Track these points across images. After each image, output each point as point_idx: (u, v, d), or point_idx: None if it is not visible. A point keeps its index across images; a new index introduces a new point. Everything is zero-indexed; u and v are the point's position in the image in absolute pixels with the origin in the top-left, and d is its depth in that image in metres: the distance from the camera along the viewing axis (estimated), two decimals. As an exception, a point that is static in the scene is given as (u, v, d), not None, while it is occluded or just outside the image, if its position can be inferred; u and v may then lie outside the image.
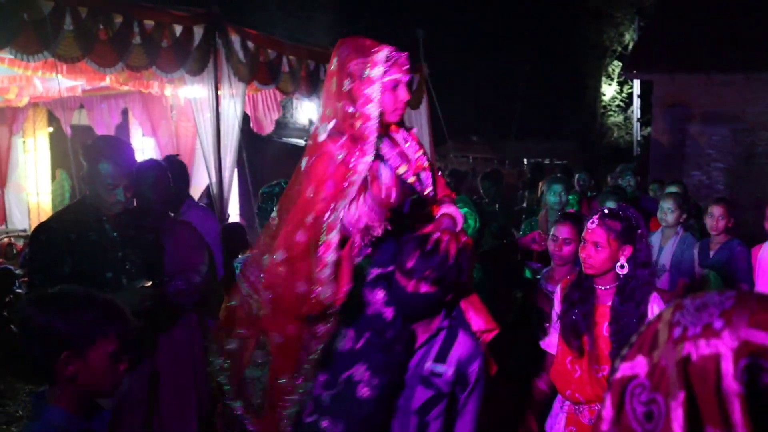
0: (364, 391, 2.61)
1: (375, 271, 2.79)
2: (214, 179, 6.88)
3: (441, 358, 2.76)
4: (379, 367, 2.64)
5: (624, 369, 0.98)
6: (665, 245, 5.78)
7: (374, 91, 2.66)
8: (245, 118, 7.99)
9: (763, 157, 14.08)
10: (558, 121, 27.10)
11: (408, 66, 2.76)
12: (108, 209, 3.59)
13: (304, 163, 2.73)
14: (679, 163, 14.41)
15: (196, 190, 8.16)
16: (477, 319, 2.95)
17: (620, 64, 23.53)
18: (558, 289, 3.48)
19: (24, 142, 10.22)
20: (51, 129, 10.45)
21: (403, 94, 2.76)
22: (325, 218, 2.57)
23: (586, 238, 3.17)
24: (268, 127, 9.18)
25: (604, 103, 26.41)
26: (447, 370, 2.75)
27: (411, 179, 2.85)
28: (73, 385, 2.08)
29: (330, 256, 2.56)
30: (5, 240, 9.36)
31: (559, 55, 26.92)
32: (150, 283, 3.55)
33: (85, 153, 3.65)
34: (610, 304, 3.14)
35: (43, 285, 3.47)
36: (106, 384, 2.15)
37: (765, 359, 0.85)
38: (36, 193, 10.23)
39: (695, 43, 14.07)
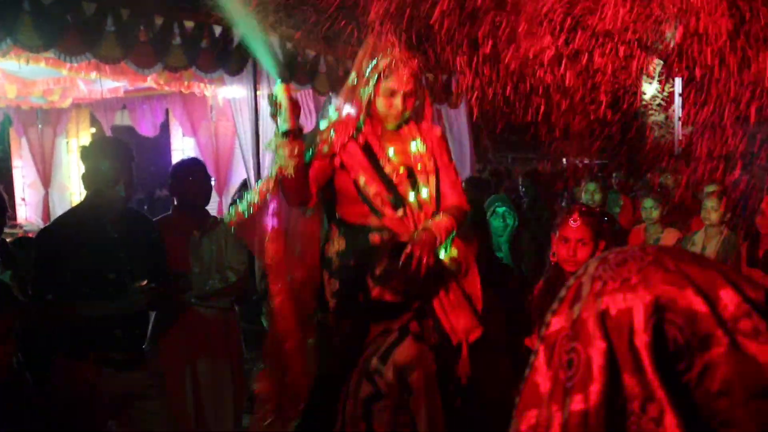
0: None
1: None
2: (252, 179, 6.92)
3: (384, 358, 2.75)
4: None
5: (554, 323, 1.04)
6: (708, 245, 5.60)
7: (364, 95, 2.94)
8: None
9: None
10: (598, 121, 26.78)
11: (408, 77, 2.91)
12: (109, 208, 3.54)
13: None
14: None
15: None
16: (461, 317, 2.93)
17: (662, 62, 23.16)
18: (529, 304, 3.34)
19: (67, 142, 10.36)
20: (93, 130, 10.59)
21: (398, 104, 2.92)
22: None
23: (570, 237, 3.15)
24: (308, 127, 9.17)
25: (644, 102, 26.03)
26: (386, 371, 2.73)
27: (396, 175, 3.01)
28: None
29: None
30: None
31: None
32: (145, 283, 3.46)
33: (84, 154, 3.62)
34: None
35: (45, 289, 3.49)
36: None
37: (671, 313, 0.94)
38: (79, 192, 10.33)
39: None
